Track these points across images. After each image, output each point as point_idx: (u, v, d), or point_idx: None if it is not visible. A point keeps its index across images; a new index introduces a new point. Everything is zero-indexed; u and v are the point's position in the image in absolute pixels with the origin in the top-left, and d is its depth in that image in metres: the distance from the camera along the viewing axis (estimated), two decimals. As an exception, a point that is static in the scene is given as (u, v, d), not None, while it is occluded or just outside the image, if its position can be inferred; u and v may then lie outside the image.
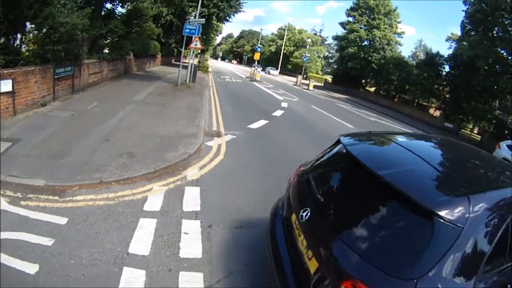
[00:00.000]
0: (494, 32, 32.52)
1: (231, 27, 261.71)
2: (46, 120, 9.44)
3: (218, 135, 11.10)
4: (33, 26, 10.93)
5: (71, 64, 12.76)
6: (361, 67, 50.95)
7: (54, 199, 5.55)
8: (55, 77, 11.54)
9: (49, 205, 5.32)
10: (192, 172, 7.55)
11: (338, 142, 4.06)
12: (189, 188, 6.68)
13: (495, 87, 31.99)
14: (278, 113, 17.90)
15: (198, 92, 19.95)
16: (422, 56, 54.98)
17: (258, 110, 17.96)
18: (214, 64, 72.03)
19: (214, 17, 36.84)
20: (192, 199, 6.26)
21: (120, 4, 20.37)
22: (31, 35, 11.17)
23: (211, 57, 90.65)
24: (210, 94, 21.25)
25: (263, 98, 24.57)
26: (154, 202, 5.91)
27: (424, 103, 49.33)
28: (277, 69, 78.38)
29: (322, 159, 4.15)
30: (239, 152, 9.63)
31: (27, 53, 10.92)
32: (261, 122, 14.12)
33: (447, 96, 40.95)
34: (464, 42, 33.45)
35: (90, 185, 6.16)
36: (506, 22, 30.84)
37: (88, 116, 10.49)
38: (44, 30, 11.06)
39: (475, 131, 45.02)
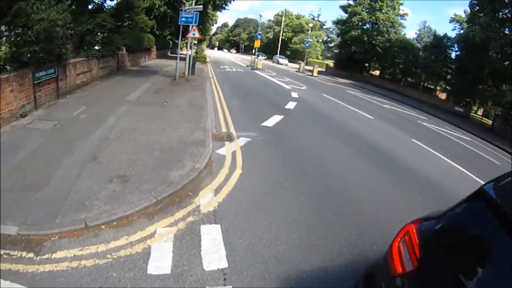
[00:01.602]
0: (502, 13, 31.66)
1: (226, 17, 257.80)
2: (24, 136, 7.68)
3: (230, 138, 9.38)
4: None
5: (54, 66, 10.97)
6: (365, 50, 49.40)
7: (28, 257, 4.00)
8: (35, 82, 9.74)
9: (22, 269, 3.79)
10: (207, 200, 5.80)
11: (478, 195, 2.81)
12: (206, 228, 4.97)
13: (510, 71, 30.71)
14: (291, 105, 16.31)
15: (199, 86, 18.21)
16: (426, 38, 53.61)
17: (268, 102, 16.34)
18: (212, 54, 69.73)
19: (210, 6, 35.04)
20: (213, 247, 4.58)
21: (109, -3, 18.45)
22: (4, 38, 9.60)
23: (207, 47, 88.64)
24: (212, 87, 19.45)
25: (270, 88, 22.94)
26: (161, 257, 4.23)
27: (430, 86, 48.78)
28: (274, 55, 75.45)
29: (453, 222, 2.91)
30: (259, 161, 7.94)
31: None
32: (276, 118, 12.50)
33: (455, 79, 39.51)
34: (475, 25, 32.19)
35: (73, 233, 4.51)
36: None
37: (73, 126, 8.71)
38: (18, 30, 9.50)
39: (479, 112, 44.60)
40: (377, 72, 57.82)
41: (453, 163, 12.33)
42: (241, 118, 12.03)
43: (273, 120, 12.18)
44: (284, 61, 66.42)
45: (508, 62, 31.47)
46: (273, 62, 66.39)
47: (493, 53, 32.94)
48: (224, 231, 4.92)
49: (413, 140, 14.37)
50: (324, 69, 60.49)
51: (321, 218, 5.76)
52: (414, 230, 2.94)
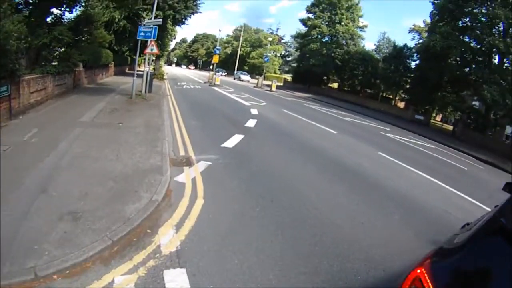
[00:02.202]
0: (461, 22, 33.83)
1: (185, 32, 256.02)
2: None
3: (189, 162, 8.71)
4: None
5: (7, 83, 9.95)
6: (324, 63, 50.42)
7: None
8: (-14, 101, 8.70)
9: None
10: (167, 238, 5.10)
11: (494, 228, 2.75)
12: (170, 274, 4.28)
13: (471, 77, 32.95)
14: (251, 123, 15.79)
15: (156, 104, 17.46)
16: (385, 49, 55.30)
17: (227, 121, 15.86)
18: (170, 70, 68.28)
19: (169, 21, 34.51)
20: (179, 297, 3.94)
21: (68, 9, 17.51)
22: None
23: (165, 63, 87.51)
24: (169, 105, 18.71)
25: (229, 105, 22.49)
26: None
27: (389, 96, 50.64)
28: (228, 70, 75.26)
29: (473, 263, 2.57)
30: (222, 189, 7.30)
31: None
32: (236, 138, 11.93)
33: (415, 88, 40.84)
34: (435, 34, 33.43)
35: (23, 284, 3.77)
36: (475, 11, 31.93)
37: (23, 152, 7.75)
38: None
39: (438, 119, 46.50)
40: (335, 85, 59.81)
41: (423, 174, 12.43)
42: (200, 139, 11.45)
43: (234, 140, 11.64)
44: (246, 77, 64.64)
45: (468, 69, 33.46)
46: (234, 78, 65.09)
47: (453, 61, 34.82)
48: (191, 277, 4.28)
49: (380, 153, 14.42)
50: (282, 84, 61.09)
51: (297, 251, 5.26)
52: (426, 276, 2.48)
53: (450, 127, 41.66)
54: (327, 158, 11.59)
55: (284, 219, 6.21)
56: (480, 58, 32.82)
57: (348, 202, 7.76)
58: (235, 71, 71.82)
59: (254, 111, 19.84)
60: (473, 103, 37.12)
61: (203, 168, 8.36)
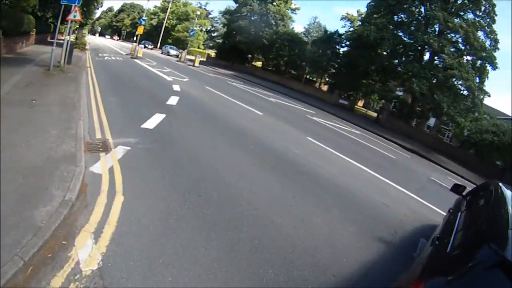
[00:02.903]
0: (397, 17, 35.95)
1: (112, 2, 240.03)
2: None
3: (105, 147, 7.40)
4: None
5: None
6: (251, 41, 50.20)
7: None
8: None
9: None
10: (86, 251, 3.99)
11: (494, 262, 2.60)
12: None
13: (400, 69, 35.45)
14: (173, 100, 14.52)
15: (74, 78, 15.53)
16: (315, 33, 56.14)
17: (148, 97, 14.48)
18: (93, 40, 62.81)
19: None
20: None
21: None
22: None
23: (89, 32, 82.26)
24: (88, 78, 16.46)
25: (151, 80, 20.82)
26: None
27: (312, 79, 53.74)
28: (153, 43, 71.82)
29: None
30: (144, 181, 6.13)
31: None
32: (158, 117, 10.69)
33: (342, 73, 42.20)
34: (370, 24, 34.98)
35: None
36: (413, 9, 34.24)
37: None
38: None
39: (360, 104, 48.71)
40: (259, 63, 59.78)
41: (355, 162, 12.35)
42: (118, 118, 10.10)
43: (155, 120, 10.41)
44: (175, 52, 59.42)
45: (397, 61, 35.87)
46: (162, 53, 61.16)
47: (384, 52, 37.33)
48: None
49: (308, 138, 14.10)
50: (205, 59, 59.65)
51: (237, 259, 4.49)
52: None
53: (374, 114, 43.70)
54: (256, 143, 10.85)
55: (216, 219, 5.33)
56: (411, 53, 35.15)
57: (284, 195, 7.15)
58: (164, 45, 67.88)
59: (176, 88, 18.50)
60: (398, 93, 39.33)
61: (121, 154, 7.11)
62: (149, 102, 13.32)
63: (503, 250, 2.72)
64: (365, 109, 50.55)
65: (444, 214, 10.12)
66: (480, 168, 29.75)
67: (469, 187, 19.62)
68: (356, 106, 45.06)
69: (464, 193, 6.66)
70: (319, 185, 8.50)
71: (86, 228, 4.43)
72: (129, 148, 7.55)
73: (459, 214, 4.87)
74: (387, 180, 11.43)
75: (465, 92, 32.70)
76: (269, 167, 8.82)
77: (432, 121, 40.61)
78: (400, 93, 39.56)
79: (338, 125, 22.87)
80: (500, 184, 5.03)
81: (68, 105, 10.10)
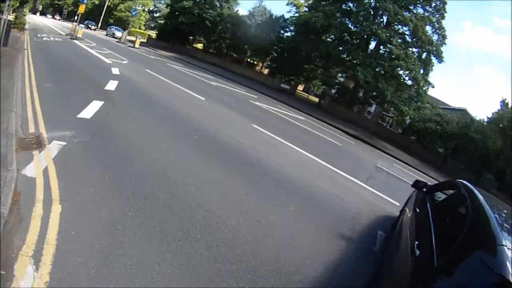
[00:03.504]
0: (345, 5, 36.57)
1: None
2: None
3: (39, 143, 6.23)
4: None
5: None
6: (193, 22, 48.97)
7: None
8: None
9: None
10: (29, 282, 3.15)
11: None
12: None
13: (344, 57, 36.21)
14: (112, 85, 13.11)
15: (9, 61, 13.69)
16: (259, 17, 55.78)
17: (86, 82, 13.09)
18: (33, 19, 57.71)
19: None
20: None
21: None
22: None
23: (29, 11, 76.81)
24: (24, 62, 15.01)
25: (89, 63, 19.15)
26: None
27: (253, 62, 53.80)
28: (109, 27, 67.47)
29: None
30: (81, 183, 5.14)
31: None
32: (95, 105, 9.46)
33: (285, 57, 42.34)
34: (317, 11, 35.34)
35: None
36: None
37: None
38: None
39: (300, 88, 49.59)
40: (200, 45, 59.29)
41: (302, 151, 12.06)
42: (53, 107, 8.84)
43: (92, 108, 9.19)
44: (120, 33, 53.69)
45: (342, 48, 36.40)
46: (107, 34, 56.76)
47: (330, 39, 37.89)
48: None
49: (253, 125, 13.53)
50: (146, 40, 57.76)
51: (195, 274, 3.88)
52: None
53: (314, 98, 44.49)
54: (200, 132, 10.03)
55: (166, 226, 4.61)
56: (357, 41, 36.15)
57: (236, 192, 6.57)
58: (109, 26, 62.97)
59: (115, 71, 17.07)
60: (341, 79, 40.06)
61: (56, 151, 6.04)
62: (87, 87, 12.00)
63: (499, 268, 2.59)
64: (306, 94, 51.46)
65: (397, 204, 10.25)
66: (422, 154, 31.21)
67: (413, 173, 20.31)
68: (297, 91, 45.47)
69: (425, 189, 6.52)
70: (271, 178, 8.01)
71: (24, 251, 3.56)
72: (64, 143, 6.48)
73: (430, 215, 4.66)
74: (337, 170, 11.32)
75: (410, 82, 34.51)
76: (216, 159, 8.17)
77: (372, 107, 41.96)
78: (342, 79, 40.42)
79: (281, 111, 22.70)
80: (471, 187, 4.85)
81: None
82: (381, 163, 17.52)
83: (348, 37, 35.91)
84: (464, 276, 2.78)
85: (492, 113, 37.47)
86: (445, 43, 34.88)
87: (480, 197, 4.23)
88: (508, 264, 2.60)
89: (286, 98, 31.31)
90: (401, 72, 33.92)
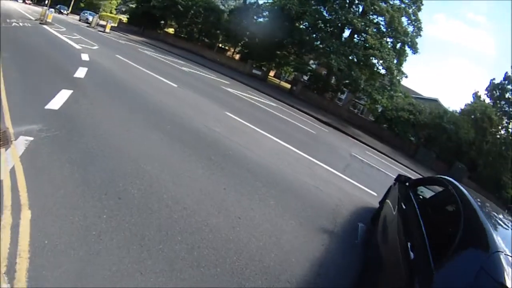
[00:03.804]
0: None
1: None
2: None
3: (5, 139, 5.48)
4: None
5: None
6: (165, 6, 47.77)
7: None
8: None
9: None
10: None
11: None
12: None
13: (318, 44, 36.17)
14: (82, 72, 12.19)
15: None
16: (232, 2, 55.20)
17: (54, 70, 12.01)
18: (2, 5, 55.98)
19: None
20: None
21: None
22: None
23: (0, -2, 73.50)
24: None
25: (59, 49, 18.05)
26: None
27: (225, 47, 54.01)
28: (83, 11, 65.21)
29: None
30: (51, 183, 4.63)
31: None
32: (64, 95, 8.72)
33: (258, 43, 42.10)
34: None
35: None
36: None
37: None
38: None
39: (271, 73, 49.76)
40: (171, 30, 58.39)
41: (278, 140, 11.88)
42: (20, 98, 7.90)
43: (61, 98, 8.47)
44: (91, 17, 50.97)
45: (315, 35, 36.55)
46: (80, 19, 53.73)
47: (303, 26, 38.03)
48: None
49: (227, 113, 13.17)
50: (116, 25, 56.30)
51: (180, 281, 3.61)
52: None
53: (286, 84, 44.58)
54: (173, 122, 9.60)
55: (144, 229, 4.26)
56: (331, 29, 36.18)
57: (213, 187, 6.23)
58: (82, 11, 59.11)
59: (85, 57, 16.17)
60: (313, 66, 40.08)
61: (23, 148, 5.44)
62: (56, 75, 11.13)
63: (498, 275, 2.65)
64: (277, 80, 51.49)
65: (374, 194, 10.25)
66: (394, 142, 31.81)
67: (386, 160, 20.46)
68: (268, 77, 45.44)
69: (407, 183, 6.63)
70: (248, 171, 7.75)
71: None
72: (31, 138, 5.88)
73: (418, 214, 4.56)
74: (313, 159, 11.22)
75: (383, 71, 34.96)
76: (191, 151, 7.75)
77: (344, 94, 42.43)
78: (315, 66, 40.56)
79: (254, 97, 22.42)
80: (459, 185, 4.81)
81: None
82: (355, 152, 17.61)
83: (323, 25, 35.62)
84: (463, 283, 2.75)
85: (465, 105, 38.99)
86: (420, 35, 35.76)
87: (471, 198, 4.18)
88: (507, 272, 2.66)
89: (257, 84, 31.06)
90: (375, 61, 34.40)
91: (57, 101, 8.16)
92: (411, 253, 3.51)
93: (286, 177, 8.42)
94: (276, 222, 5.73)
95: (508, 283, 2.51)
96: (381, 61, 33.49)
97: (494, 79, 45.39)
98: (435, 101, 43.31)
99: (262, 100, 22.40)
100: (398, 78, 34.69)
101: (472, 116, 34.16)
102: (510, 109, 44.63)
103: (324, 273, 4.85)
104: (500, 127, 37.18)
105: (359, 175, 12.12)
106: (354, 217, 7.71)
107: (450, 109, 36.19)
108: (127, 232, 4.10)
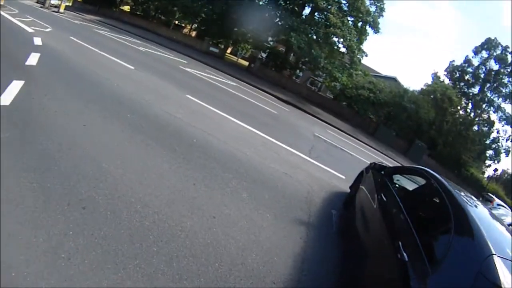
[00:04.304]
0: None
1: None
2: None
3: None
4: None
5: None
6: (120, -17, 46.04)
7: None
8: None
9: None
10: None
11: None
12: None
13: (277, 21, 36.13)
14: (34, 59, 10.87)
15: None
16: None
17: (5, 58, 10.48)
18: None
19: None
20: None
21: None
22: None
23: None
24: None
25: (9, 33, 16.52)
26: None
27: (181, 25, 53.88)
28: None
29: None
30: (8, 197, 3.90)
31: None
32: (15, 86, 7.61)
33: (215, 20, 41.82)
34: None
35: None
36: None
37: None
38: None
39: (228, 50, 49.69)
40: (127, 8, 56.51)
41: (241, 123, 11.58)
42: None
43: (12, 91, 7.35)
44: (56, 1, 49.08)
45: (275, 13, 36.40)
46: (37, 2, 50.86)
47: (262, 3, 38.16)
48: None
49: (188, 96, 12.60)
50: (71, 4, 53.48)
51: None
52: None
53: (243, 62, 44.29)
54: (133, 109, 8.82)
55: (116, 243, 3.80)
56: (291, 7, 36.01)
57: (183, 184, 5.77)
58: None
59: (37, 41, 14.74)
60: (271, 43, 40.05)
61: None
62: (6, 64, 9.92)
63: (496, 279, 2.69)
64: (234, 57, 51.14)
65: (342, 177, 10.25)
66: (354, 120, 32.36)
67: (348, 139, 20.65)
68: (226, 54, 45.07)
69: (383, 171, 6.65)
70: (216, 161, 7.38)
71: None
72: None
73: (404, 212, 4.44)
74: (279, 143, 11.08)
75: (344, 50, 35.36)
76: (155, 143, 7.18)
77: (301, 72, 42.78)
78: (273, 43, 40.46)
79: (213, 76, 21.88)
80: (442, 180, 4.75)
81: None
82: (318, 131, 17.66)
83: (282, 2, 35.66)
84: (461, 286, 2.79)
85: (424, 85, 40.50)
86: (382, 15, 36.41)
87: (456, 194, 4.16)
88: (504, 275, 2.72)
89: (215, 63, 30.56)
90: (336, 39, 34.51)
91: (8, 95, 7.11)
92: (404, 254, 3.41)
93: (255, 165, 8.17)
94: (251, 218, 5.50)
95: (503, 285, 2.58)
96: (342, 40, 33.65)
97: (453, 61, 48.12)
98: (393, 79, 44.39)
99: (221, 80, 21.91)
100: (358, 56, 35.28)
101: (432, 96, 35.32)
102: (469, 90, 47.55)
103: (307, 268, 4.75)
104: (459, 108, 38.98)
105: (324, 157, 12.13)
106: (327, 203, 7.66)
107: (410, 89, 37.34)
108: (99, 249, 3.64)
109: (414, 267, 3.20)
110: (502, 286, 2.57)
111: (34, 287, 2.98)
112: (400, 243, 3.59)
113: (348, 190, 8.72)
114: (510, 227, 4.85)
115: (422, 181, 5.66)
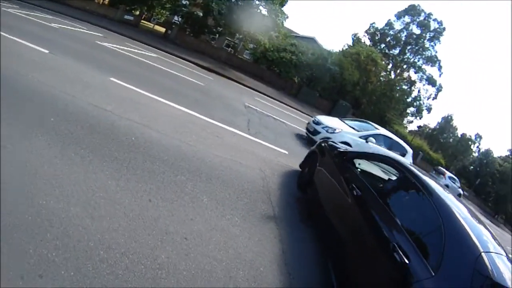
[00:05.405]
0: None
1: None
2: None
3: None
4: None
5: None
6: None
7: None
8: None
9: None
10: None
11: None
12: None
13: None
14: None
15: None
16: None
17: None
18: None
19: None
20: None
21: None
22: None
23: None
24: None
25: None
26: None
27: None
28: None
29: None
30: None
31: None
32: None
33: None
34: None
35: None
36: None
37: None
38: None
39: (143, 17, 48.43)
40: None
41: (174, 104, 10.71)
42: None
43: None
44: None
45: None
46: None
47: None
48: None
49: (112, 78, 10.90)
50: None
51: None
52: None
53: (159, 28, 42.47)
54: (56, 109, 7.02)
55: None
56: None
57: (137, 203, 4.82)
58: None
59: None
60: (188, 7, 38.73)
61: None
62: None
63: (493, 275, 2.92)
64: (149, 24, 48.89)
65: (285, 152, 10.18)
66: (276, 82, 32.45)
67: (276, 105, 20.54)
68: (141, 21, 43.03)
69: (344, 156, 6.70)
70: (163, 162, 6.46)
71: None
72: None
73: (388, 206, 4.52)
74: (217, 123, 10.59)
75: (265, 13, 34.20)
76: (91, 153, 5.77)
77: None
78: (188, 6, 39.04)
79: (132, 49, 20.05)
80: (417, 172, 4.86)
81: None
82: (248, 101, 17.32)
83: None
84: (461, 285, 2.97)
85: (346, 46, 41.85)
86: None
87: (439, 194, 4.19)
88: (503, 272, 3.02)
89: (132, 33, 28.54)
90: (258, 3, 33.75)
91: None
92: (403, 257, 3.48)
93: (202, 157, 7.48)
94: (222, 227, 5.07)
95: (497, 280, 2.87)
96: (263, 3, 33.17)
97: (374, 23, 50.76)
98: (312, 39, 44.75)
99: (141, 52, 20.28)
100: (280, 19, 34.92)
101: (356, 58, 36.35)
102: (390, 51, 50.64)
103: (292, 270, 4.68)
104: (382, 69, 40.72)
105: (262, 131, 12.00)
106: (283, 189, 7.55)
107: (329, 49, 38.06)
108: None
109: (414, 268, 3.31)
110: (493, 278, 2.86)
111: (34, 287, 2.89)
112: (394, 244, 3.65)
113: (295, 167, 8.63)
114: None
115: (388, 168, 6.01)
